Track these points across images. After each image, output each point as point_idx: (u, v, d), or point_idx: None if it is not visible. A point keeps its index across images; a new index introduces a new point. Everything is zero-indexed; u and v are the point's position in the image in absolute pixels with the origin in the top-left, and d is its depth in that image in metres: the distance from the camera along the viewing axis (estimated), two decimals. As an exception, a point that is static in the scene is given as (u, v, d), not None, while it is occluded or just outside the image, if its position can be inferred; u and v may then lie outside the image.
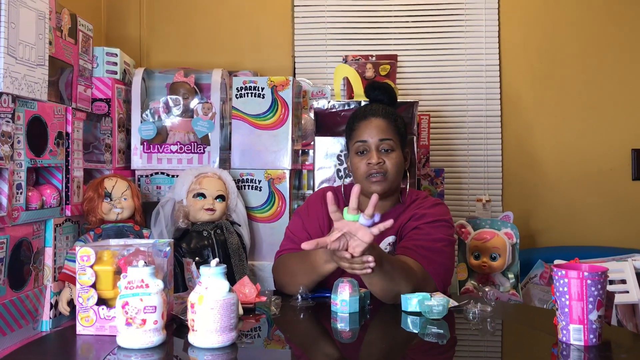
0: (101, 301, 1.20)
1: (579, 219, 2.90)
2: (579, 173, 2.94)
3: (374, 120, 1.63)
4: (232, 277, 1.99)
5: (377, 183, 1.60)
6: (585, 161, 2.94)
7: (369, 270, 1.30)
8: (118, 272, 1.22)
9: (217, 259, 1.14)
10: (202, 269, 1.12)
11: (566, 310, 1.14)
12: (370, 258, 1.28)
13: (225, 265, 1.13)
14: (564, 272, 1.14)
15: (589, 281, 1.12)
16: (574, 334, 1.13)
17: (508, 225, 2.33)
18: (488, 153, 2.98)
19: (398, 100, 1.90)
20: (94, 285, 1.19)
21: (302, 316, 1.42)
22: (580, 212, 2.91)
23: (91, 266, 1.19)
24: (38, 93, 1.75)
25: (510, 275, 2.31)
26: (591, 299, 1.12)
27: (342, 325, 1.33)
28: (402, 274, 1.42)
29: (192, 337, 1.11)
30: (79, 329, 1.19)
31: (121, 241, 1.32)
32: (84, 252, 1.19)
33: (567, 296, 1.13)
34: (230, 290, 1.12)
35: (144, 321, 1.09)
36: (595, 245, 2.78)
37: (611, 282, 2.28)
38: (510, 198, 2.96)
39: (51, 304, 1.82)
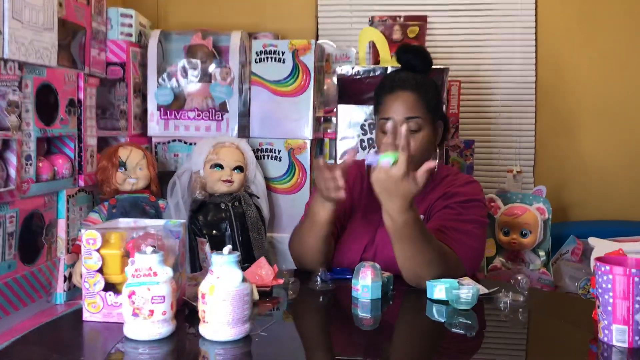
0: (109, 286, 1.13)
1: (615, 192, 2.75)
2: (618, 143, 2.77)
3: (401, 95, 1.49)
4: (250, 251, 1.92)
5: None
6: (625, 131, 2.77)
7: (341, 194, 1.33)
8: (127, 255, 1.15)
9: (229, 246, 1.06)
10: (214, 257, 1.04)
11: (609, 308, 1.04)
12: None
13: (239, 253, 1.05)
14: (608, 267, 1.03)
15: (636, 279, 1.01)
16: (617, 335, 1.03)
17: (540, 200, 2.21)
18: (521, 122, 2.83)
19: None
20: (100, 270, 1.12)
21: (321, 300, 1.34)
22: (617, 184, 2.76)
23: (97, 250, 1.12)
24: (47, 59, 1.66)
25: (541, 253, 2.21)
26: (638, 298, 1.01)
27: (363, 312, 1.25)
28: (435, 251, 1.33)
29: (202, 329, 1.04)
30: (86, 316, 1.13)
31: (131, 222, 1.25)
32: (90, 235, 1.12)
33: (610, 294, 1.03)
34: (244, 280, 1.04)
35: (151, 312, 1.02)
36: (632, 221, 2.63)
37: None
38: (543, 169, 2.82)
39: (65, 276, 1.78)
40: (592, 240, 2.15)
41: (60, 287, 1.77)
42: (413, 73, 1.55)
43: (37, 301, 1.67)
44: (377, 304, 1.28)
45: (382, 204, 1.29)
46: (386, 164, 1.23)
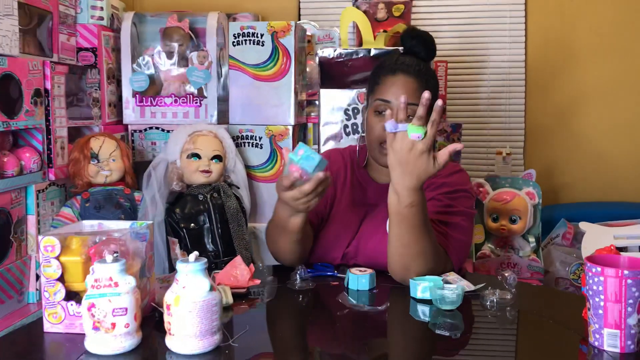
0: (71, 295, 1.07)
1: (608, 172, 2.68)
2: (611, 122, 2.70)
3: (402, 78, 1.41)
4: (230, 244, 1.85)
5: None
6: (618, 109, 2.69)
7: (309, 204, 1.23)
8: (89, 262, 1.07)
9: (196, 253, 0.99)
10: (179, 265, 0.97)
11: (600, 312, 0.98)
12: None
13: (206, 260, 0.98)
14: (599, 269, 0.97)
15: (629, 281, 0.95)
16: (609, 340, 0.98)
17: (530, 184, 2.16)
18: (510, 102, 2.75)
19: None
20: (61, 279, 1.05)
21: (300, 300, 1.28)
22: (610, 164, 2.69)
23: (57, 257, 1.05)
24: (7, 47, 1.57)
25: (531, 239, 2.15)
26: (631, 301, 0.96)
27: (344, 313, 1.19)
28: (430, 244, 1.27)
29: (169, 342, 0.98)
30: (47, 327, 1.07)
31: (95, 225, 1.17)
32: (48, 242, 1.04)
33: (601, 296, 0.97)
34: (212, 289, 0.98)
35: (113, 325, 0.96)
36: (625, 202, 2.57)
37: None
38: (533, 150, 2.75)
39: (37, 274, 1.71)
40: (583, 225, 2.10)
41: (33, 285, 1.70)
42: (416, 59, 1.47)
43: (8, 302, 1.60)
44: (361, 300, 1.23)
45: (392, 178, 1.22)
46: (416, 137, 1.17)
